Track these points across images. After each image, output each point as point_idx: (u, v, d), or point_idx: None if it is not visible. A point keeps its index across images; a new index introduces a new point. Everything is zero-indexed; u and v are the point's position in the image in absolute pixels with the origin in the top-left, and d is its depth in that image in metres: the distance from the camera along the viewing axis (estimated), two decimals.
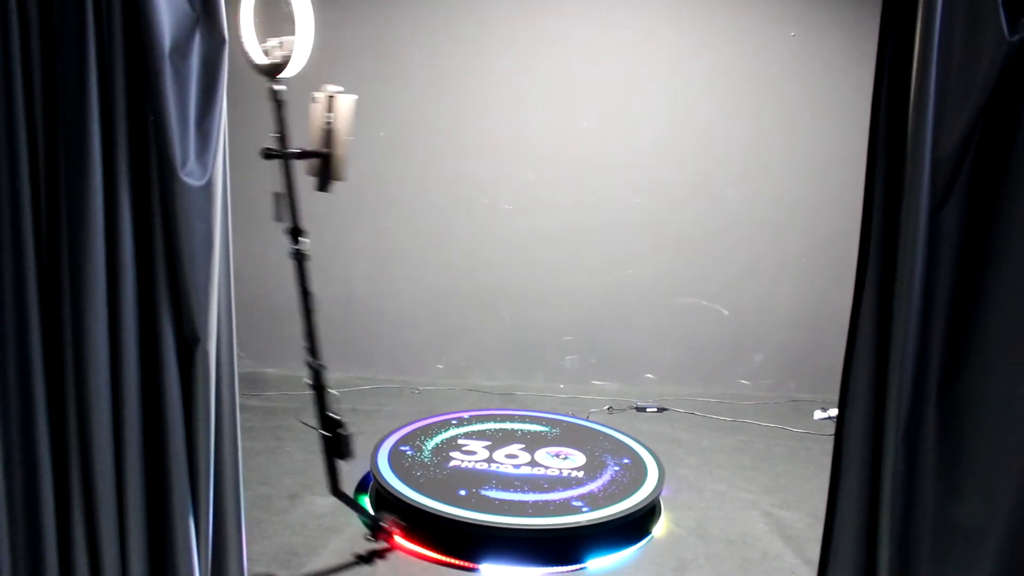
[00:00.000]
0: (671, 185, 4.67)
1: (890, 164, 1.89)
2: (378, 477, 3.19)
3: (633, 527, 3.07)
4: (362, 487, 3.41)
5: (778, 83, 4.53)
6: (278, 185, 2.61)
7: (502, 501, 3.02)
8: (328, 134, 2.55)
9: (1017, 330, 1.82)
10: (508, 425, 3.75)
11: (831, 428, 4.17)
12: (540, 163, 4.67)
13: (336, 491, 2.88)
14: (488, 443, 3.53)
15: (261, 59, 2.52)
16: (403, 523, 2.98)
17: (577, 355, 4.87)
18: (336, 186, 2.66)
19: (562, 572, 2.89)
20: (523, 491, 3.11)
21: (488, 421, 3.80)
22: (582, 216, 4.70)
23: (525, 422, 3.80)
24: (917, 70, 1.79)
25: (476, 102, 4.64)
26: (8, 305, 1.98)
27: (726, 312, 4.78)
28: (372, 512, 3.12)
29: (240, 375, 2.26)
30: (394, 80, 4.63)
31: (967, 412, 1.91)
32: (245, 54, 2.50)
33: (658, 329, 4.81)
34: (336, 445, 2.79)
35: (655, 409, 4.49)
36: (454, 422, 3.77)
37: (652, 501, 3.13)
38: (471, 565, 2.90)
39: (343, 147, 2.54)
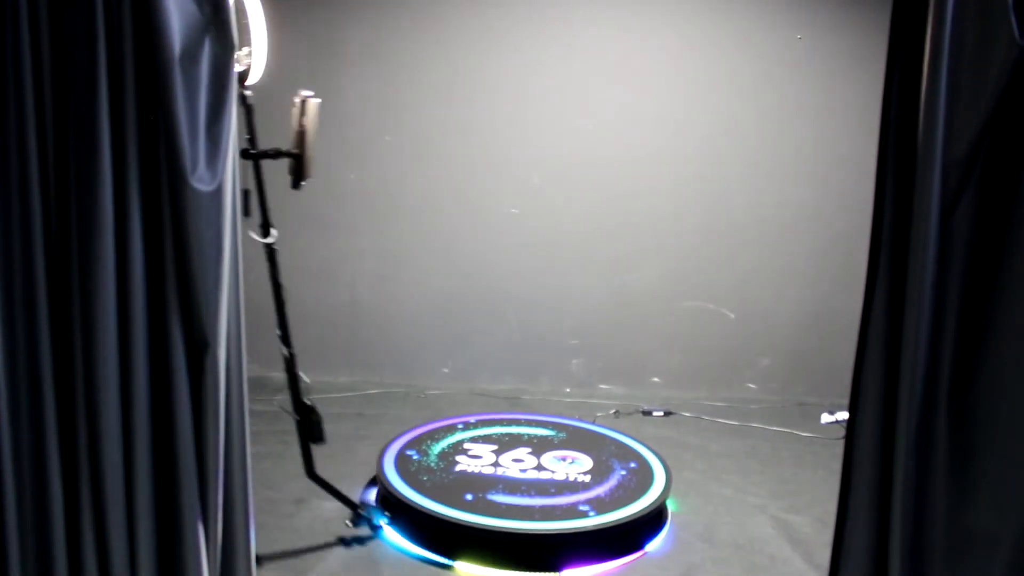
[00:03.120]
0: (677, 188, 4.66)
1: (900, 167, 1.89)
2: (384, 481, 3.19)
3: (640, 531, 3.06)
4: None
5: (785, 87, 4.53)
6: (251, 183, 2.74)
7: (509, 506, 3.02)
8: (300, 135, 2.71)
9: None
10: (514, 429, 3.74)
11: (839, 432, 4.16)
12: (546, 167, 4.67)
13: (311, 474, 2.98)
14: (494, 447, 3.53)
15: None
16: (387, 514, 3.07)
17: (583, 359, 4.87)
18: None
19: None
20: (530, 495, 3.10)
21: (494, 425, 3.79)
22: (588, 220, 4.70)
23: (531, 426, 3.79)
24: (928, 73, 1.79)
25: (482, 106, 4.64)
26: (18, 310, 1.98)
27: (732, 316, 4.77)
28: (349, 497, 3.16)
29: (247, 379, 2.26)
30: (399, 84, 4.63)
31: (979, 416, 1.90)
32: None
33: (664, 333, 4.80)
34: (308, 429, 2.89)
35: (662, 413, 4.48)
36: (460, 426, 3.76)
37: (659, 505, 3.12)
38: (477, 569, 2.89)
39: (310, 148, 2.72)
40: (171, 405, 2.06)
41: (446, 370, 4.90)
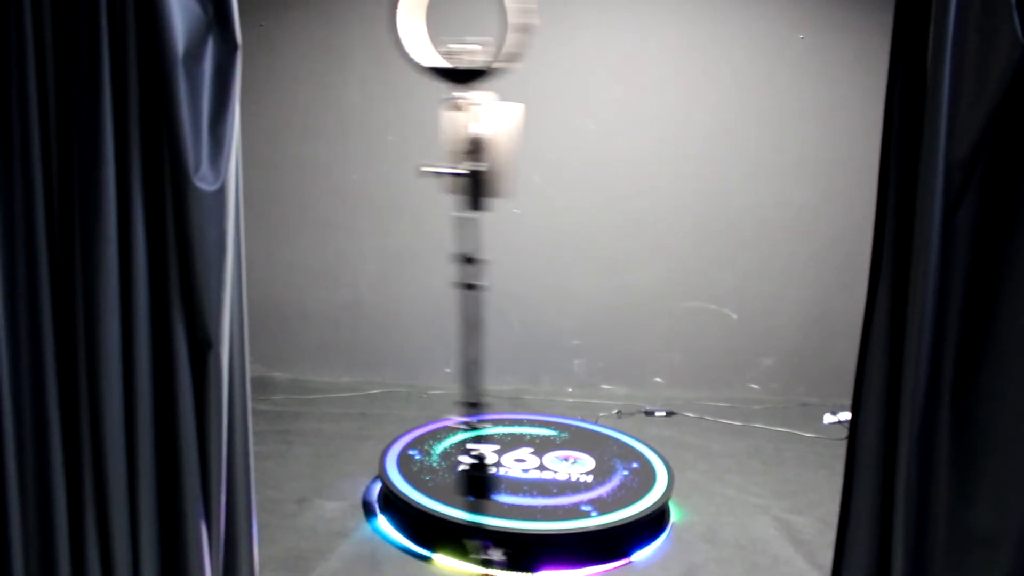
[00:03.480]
0: (678, 188, 4.66)
1: (903, 167, 1.89)
2: (387, 481, 3.19)
3: (642, 531, 3.06)
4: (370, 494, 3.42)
5: (786, 87, 4.52)
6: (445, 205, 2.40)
7: (511, 506, 3.02)
8: (478, 146, 2.31)
9: None
10: (517, 429, 3.75)
11: (841, 432, 4.15)
12: (547, 167, 4.67)
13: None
14: (497, 447, 3.53)
15: (439, 62, 2.29)
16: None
17: (585, 359, 4.87)
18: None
19: None
20: (532, 495, 3.10)
21: (497, 425, 3.79)
22: (589, 219, 4.70)
23: (534, 426, 3.79)
24: (930, 73, 1.79)
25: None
26: (21, 310, 1.99)
27: (734, 316, 4.77)
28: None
29: (250, 379, 2.26)
30: (401, 84, 4.64)
31: (981, 417, 1.90)
32: (414, 59, 2.28)
33: (666, 333, 4.80)
34: (473, 484, 2.69)
35: (664, 413, 4.48)
36: (463, 426, 3.76)
37: (661, 506, 3.12)
38: (480, 570, 2.89)
39: (505, 161, 2.30)
40: (174, 404, 2.06)
41: (448, 370, 4.90)
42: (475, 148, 2.29)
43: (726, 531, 3.21)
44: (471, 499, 2.60)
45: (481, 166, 2.30)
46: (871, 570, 2.04)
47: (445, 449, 3.50)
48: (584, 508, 3.03)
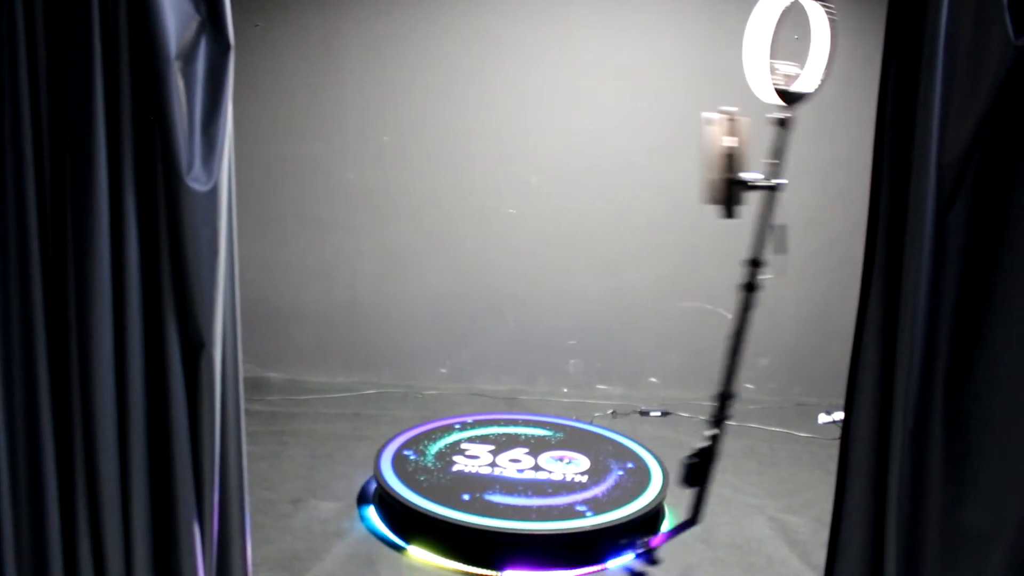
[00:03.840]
0: (674, 188, 4.66)
1: (896, 167, 1.89)
2: (381, 482, 3.19)
3: (637, 531, 3.06)
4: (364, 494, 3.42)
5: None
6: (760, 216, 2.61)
7: (506, 506, 3.02)
8: (731, 159, 2.56)
9: None
10: (512, 429, 3.74)
11: (836, 432, 4.15)
12: (544, 167, 4.67)
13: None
14: (492, 447, 3.53)
15: (777, 85, 2.51)
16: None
17: (581, 359, 4.86)
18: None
19: None
20: (527, 496, 3.10)
21: (492, 425, 3.79)
22: (586, 220, 4.70)
23: (529, 426, 3.79)
24: (923, 73, 1.79)
25: (480, 106, 4.64)
26: (14, 310, 1.98)
27: (730, 316, 4.76)
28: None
29: (242, 379, 2.26)
30: (398, 84, 4.63)
31: (974, 416, 1.90)
32: (762, 84, 2.48)
33: (662, 333, 4.80)
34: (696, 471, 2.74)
35: (659, 413, 4.48)
36: (458, 426, 3.76)
37: (656, 505, 3.12)
38: (475, 570, 2.89)
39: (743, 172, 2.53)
40: (167, 405, 2.06)
41: (444, 370, 4.90)
42: (731, 159, 2.52)
43: (721, 531, 3.21)
44: (689, 486, 2.73)
45: (738, 175, 2.55)
46: (864, 569, 2.04)
47: (440, 449, 3.50)
48: (579, 508, 3.03)
